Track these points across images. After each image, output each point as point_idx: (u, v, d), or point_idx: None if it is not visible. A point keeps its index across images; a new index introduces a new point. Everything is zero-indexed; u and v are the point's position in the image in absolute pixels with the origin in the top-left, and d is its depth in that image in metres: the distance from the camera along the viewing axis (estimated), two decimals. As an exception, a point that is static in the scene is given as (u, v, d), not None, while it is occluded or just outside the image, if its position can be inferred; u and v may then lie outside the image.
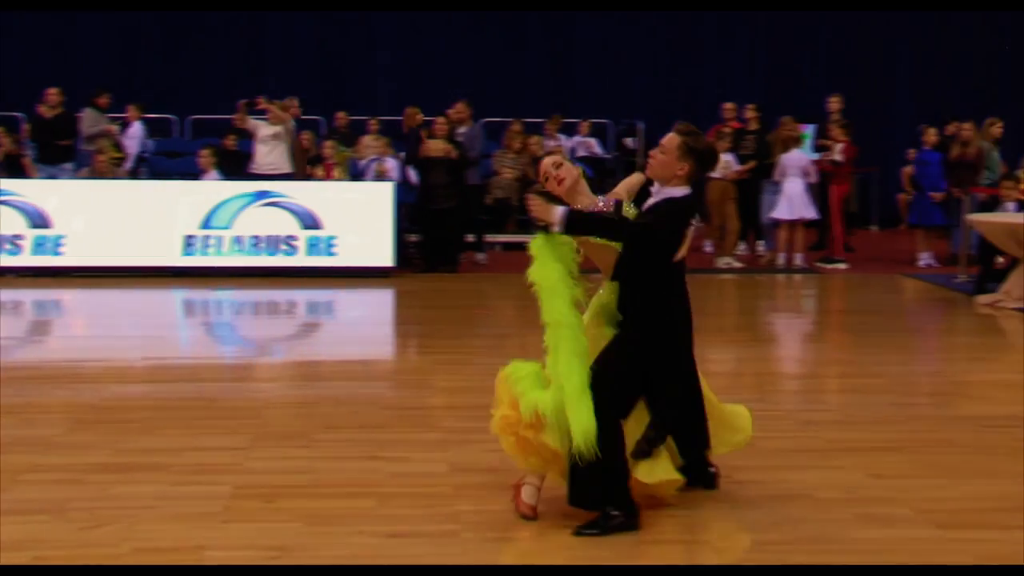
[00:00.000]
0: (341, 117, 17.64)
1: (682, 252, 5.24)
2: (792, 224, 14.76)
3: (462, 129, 14.71)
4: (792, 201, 14.60)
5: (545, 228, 5.12)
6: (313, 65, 20.27)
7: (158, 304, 12.06)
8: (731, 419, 5.65)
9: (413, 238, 14.89)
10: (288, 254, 13.47)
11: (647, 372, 5.20)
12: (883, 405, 7.56)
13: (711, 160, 5.33)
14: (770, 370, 9.04)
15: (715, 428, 5.56)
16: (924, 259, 14.92)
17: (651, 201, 5.28)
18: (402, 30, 20.34)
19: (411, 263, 14.37)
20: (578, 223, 5.13)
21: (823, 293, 13.51)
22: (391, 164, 14.93)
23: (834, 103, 15.80)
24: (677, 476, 5.35)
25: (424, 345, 10.07)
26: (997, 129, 14.92)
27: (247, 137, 15.59)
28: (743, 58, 20.91)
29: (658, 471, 5.29)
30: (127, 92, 18.15)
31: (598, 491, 5.09)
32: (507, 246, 15.89)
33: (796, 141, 14.94)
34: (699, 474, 5.61)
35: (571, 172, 5.50)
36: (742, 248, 15.65)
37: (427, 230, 14.23)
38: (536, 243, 5.21)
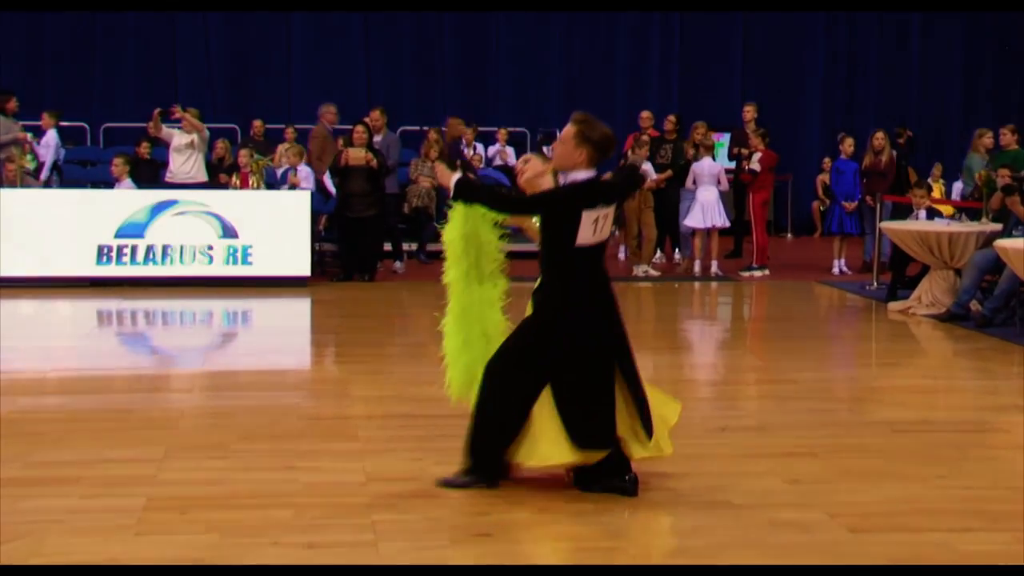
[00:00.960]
0: (257, 125, 17.52)
1: (587, 238, 5.52)
2: (707, 232, 14.89)
3: (378, 137, 14.67)
4: (705, 209, 14.72)
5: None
6: (226, 72, 20.09)
7: (71, 315, 11.90)
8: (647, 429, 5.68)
9: (329, 247, 14.83)
10: (205, 263, 13.34)
11: (545, 355, 5.53)
12: (798, 411, 7.65)
13: (607, 145, 5.63)
14: (686, 377, 9.11)
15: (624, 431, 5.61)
16: (838, 266, 15.12)
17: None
18: (317, 36, 20.22)
19: (327, 272, 14.31)
20: (464, 190, 5.64)
21: (739, 300, 13.66)
22: (304, 173, 14.80)
23: (748, 111, 15.98)
24: (561, 459, 5.51)
25: (341, 354, 10.02)
26: (988, 139, 15.02)
27: (161, 145, 15.44)
28: (657, 66, 21.05)
29: (539, 454, 5.52)
30: (37, 99, 17.88)
31: (472, 448, 5.69)
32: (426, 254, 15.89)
33: (707, 148, 15.09)
34: (618, 482, 5.64)
35: (535, 167, 5.96)
36: (658, 256, 15.77)
37: (345, 239, 14.14)
38: (455, 210, 5.72)
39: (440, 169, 5.85)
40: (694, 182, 14.90)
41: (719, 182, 14.92)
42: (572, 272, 5.53)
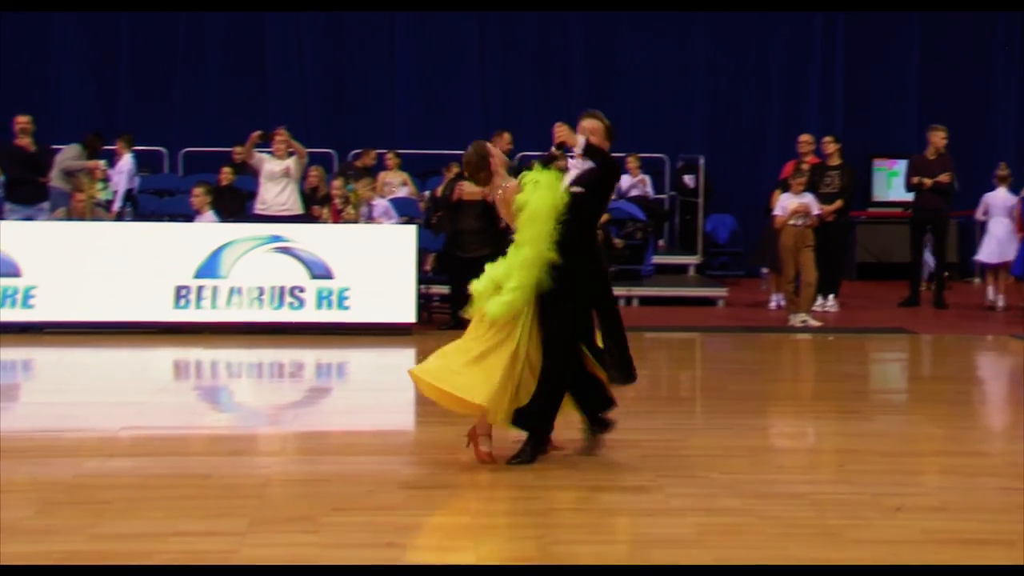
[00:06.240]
0: (371, 154, 17.62)
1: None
2: (996, 268, 16.12)
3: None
4: (1001, 243, 15.89)
5: (545, 163, 7.74)
6: (323, 91, 20.29)
7: (144, 366, 12.05)
8: None
9: (438, 290, 14.82)
10: (295, 308, 13.44)
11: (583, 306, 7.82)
12: (986, 489, 7.44)
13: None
14: (851, 447, 8.89)
15: None
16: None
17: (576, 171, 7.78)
18: (424, 46, 20.35)
19: (435, 319, 14.33)
20: (592, 150, 7.65)
21: (915, 358, 13.37)
22: (381, 209, 14.72)
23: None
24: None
25: (449, 414, 9.96)
26: None
27: (247, 173, 15.61)
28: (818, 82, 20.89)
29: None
30: (109, 122, 18.24)
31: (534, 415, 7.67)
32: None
33: (1002, 179, 16.12)
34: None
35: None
36: (819, 303, 15.56)
37: (455, 281, 14.06)
38: (544, 177, 7.66)
39: (565, 129, 7.65)
40: (986, 213, 16.28)
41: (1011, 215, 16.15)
42: (593, 244, 7.91)
